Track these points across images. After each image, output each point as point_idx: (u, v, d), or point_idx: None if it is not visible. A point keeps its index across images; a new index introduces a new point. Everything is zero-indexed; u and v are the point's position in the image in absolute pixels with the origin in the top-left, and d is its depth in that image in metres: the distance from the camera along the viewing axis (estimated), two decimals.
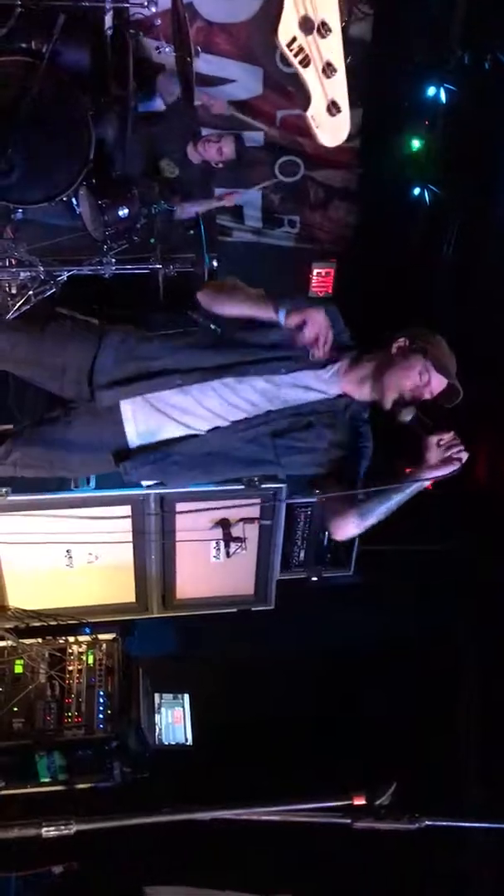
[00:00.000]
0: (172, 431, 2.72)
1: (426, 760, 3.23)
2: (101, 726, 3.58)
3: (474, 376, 4.73)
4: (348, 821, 1.52)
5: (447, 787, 2.91)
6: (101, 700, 3.64)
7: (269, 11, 5.01)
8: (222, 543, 3.73)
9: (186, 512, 3.72)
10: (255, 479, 3.67)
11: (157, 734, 3.69)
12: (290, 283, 5.50)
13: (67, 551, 3.69)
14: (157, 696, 3.76)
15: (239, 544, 3.75)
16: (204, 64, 5.03)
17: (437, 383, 2.52)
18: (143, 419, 2.73)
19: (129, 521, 3.68)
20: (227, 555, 3.74)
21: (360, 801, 1.54)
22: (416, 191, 5.18)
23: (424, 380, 2.49)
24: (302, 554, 4.15)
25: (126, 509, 3.65)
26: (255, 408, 2.67)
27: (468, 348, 4.84)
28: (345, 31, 4.94)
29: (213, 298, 2.66)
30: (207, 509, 3.72)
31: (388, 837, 1.48)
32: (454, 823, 1.55)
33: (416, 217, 5.23)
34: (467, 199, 4.82)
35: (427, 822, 1.53)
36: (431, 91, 4.95)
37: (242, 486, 3.66)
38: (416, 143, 5.16)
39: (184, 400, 2.69)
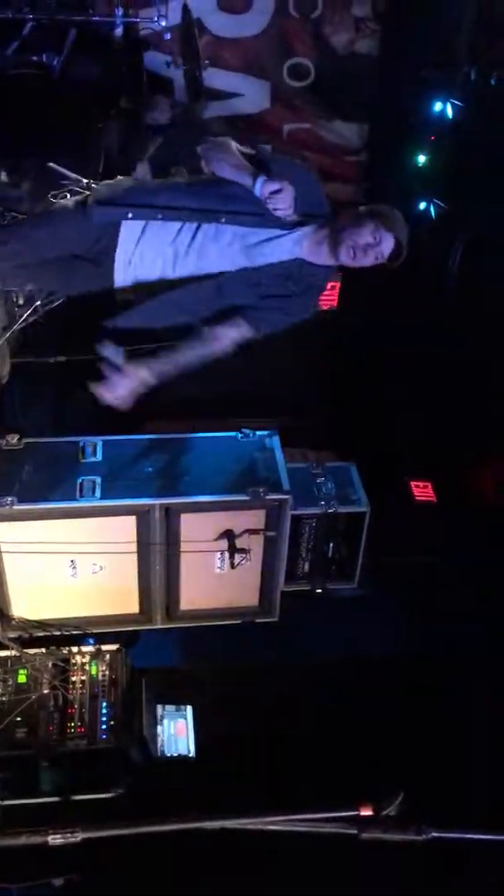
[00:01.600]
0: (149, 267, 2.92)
1: (434, 772, 3.22)
2: (104, 737, 3.57)
3: (481, 391, 4.76)
4: (354, 831, 1.51)
5: (455, 799, 2.89)
6: (105, 711, 3.63)
7: (276, 27, 5.07)
8: (227, 554, 3.72)
9: (191, 522, 3.72)
10: (261, 490, 3.68)
11: (159, 745, 3.68)
12: None
13: (72, 561, 3.68)
14: (159, 707, 3.74)
15: (243, 555, 3.75)
16: (212, 78, 5.07)
17: (387, 244, 2.74)
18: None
19: (133, 532, 3.68)
20: (232, 566, 3.73)
21: (366, 812, 1.53)
22: (422, 205, 5.21)
23: (377, 238, 2.71)
24: (307, 566, 4.14)
25: (131, 520, 3.65)
26: (224, 258, 2.88)
27: (474, 363, 4.88)
28: (352, 46, 5.03)
29: (213, 154, 2.78)
30: (212, 519, 3.73)
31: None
32: (461, 835, 1.54)
33: (422, 231, 5.27)
34: (473, 213, 4.85)
35: (434, 834, 1.52)
36: (438, 106, 4.99)
37: (248, 497, 3.67)
38: (422, 158, 5.19)
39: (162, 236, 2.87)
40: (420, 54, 4.99)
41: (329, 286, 5.67)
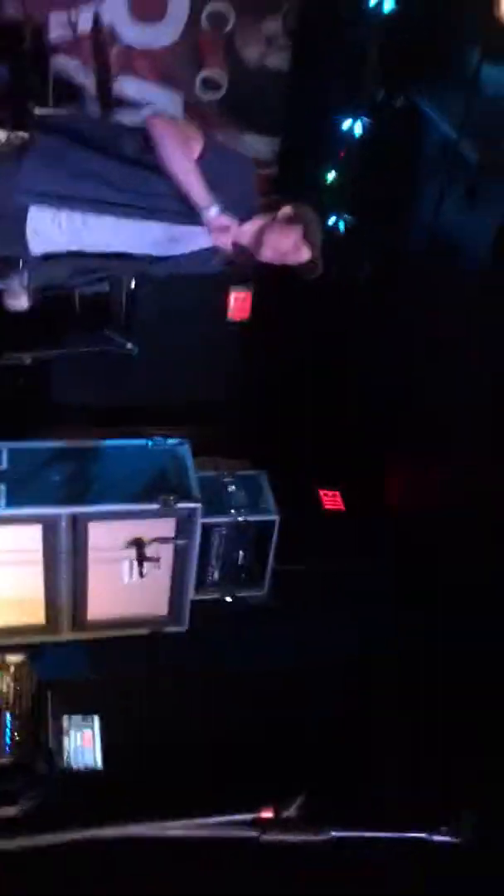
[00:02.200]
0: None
1: (339, 775, 3.27)
2: (8, 751, 3.50)
3: (387, 400, 4.89)
4: (255, 834, 1.53)
5: (361, 799, 2.95)
6: (8, 724, 3.55)
7: (189, 39, 5.10)
8: (135, 563, 3.71)
9: (99, 531, 3.69)
10: (171, 498, 3.68)
11: (65, 757, 3.62)
12: (207, 307, 5.55)
13: None
14: (65, 718, 3.69)
15: (152, 564, 3.74)
16: (124, 86, 5.06)
17: (304, 255, 2.84)
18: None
19: (39, 541, 3.62)
20: (141, 575, 3.72)
21: (267, 814, 1.55)
22: (332, 220, 5.31)
23: (297, 249, 2.80)
24: (216, 574, 4.17)
25: (37, 529, 3.60)
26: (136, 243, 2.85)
27: (379, 374, 5.01)
28: (263, 61, 5.10)
29: (167, 143, 2.57)
30: (121, 528, 3.71)
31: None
32: (362, 834, 1.58)
33: (331, 245, 5.37)
34: (380, 229, 4.98)
35: (334, 833, 1.56)
36: (347, 124, 5.09)
37: (157, 506, 3.67)
38: (331, 174, 5.29)
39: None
40: (330, 72, 5.09)
41: (241, 297, 5.74)
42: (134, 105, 5.12)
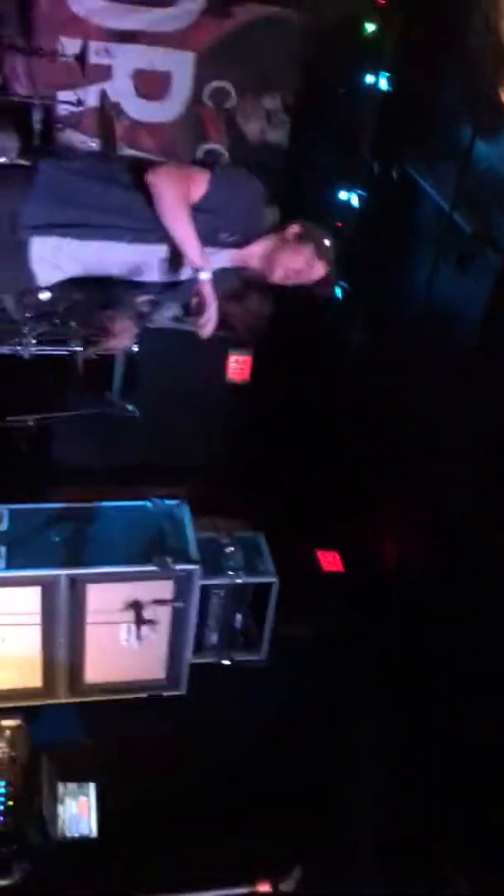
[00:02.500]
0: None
1: (335, 843, 3.21)
2: (1, 819, 3.43)
3: (381, 457, 4.93)
4: None
5: (354, 868, 2.89)
6: (3, 790, 3.49)
7: (192, 114, 5.29)
8: (133, 626, 3.71)
9: (98, 593, 3.70)
10: (169, 560, 3.69)
11: (60, 826, 3.56)
12: (208, 368, 5.63)
13: None
14: (61, 785, 3.63)
15: (151, 627, 3.73)
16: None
17: (319, 272, 2.75)
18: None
19: (38, 602, 3.62)
20: (139, 637, 3.71)
21: (263, 888, 1.54)
22: None
23: (311, 266, 2.73)
24: (214, 637, 4.15)
25: (36, 591, 3.61)
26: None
27: (374, 435, 5.06)
28: (263, 136, 5.28)
29: (169, 206, 2.46)
30: (119, 590, 3.71)
31: None
32: None
33: (328, 310, 5.48)
34: (374, 295, 5.08)
35: None
36: (343, 195, 5.25)
37: (156, 568, 3.68)
38: (327, 243, 5.42)
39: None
40: (327, 146, 5.27)
41: (241, 360, 5.83)
42: None
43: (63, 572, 3.59)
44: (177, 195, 2.46)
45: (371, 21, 4.97)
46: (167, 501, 4.08)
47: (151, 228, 2.53)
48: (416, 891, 1.52)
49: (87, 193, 2.51)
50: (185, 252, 2.53)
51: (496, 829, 3.14)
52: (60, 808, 3.63)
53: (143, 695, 4.01)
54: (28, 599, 3.61)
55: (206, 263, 2.54)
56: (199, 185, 2.52)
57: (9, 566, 3.55)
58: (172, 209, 2.46)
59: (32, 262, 2.58)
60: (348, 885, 1.56)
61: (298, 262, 2.71)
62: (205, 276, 2.54)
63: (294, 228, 2.76)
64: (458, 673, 3.86)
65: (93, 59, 4.63)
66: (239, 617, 4.11)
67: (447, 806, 3.37)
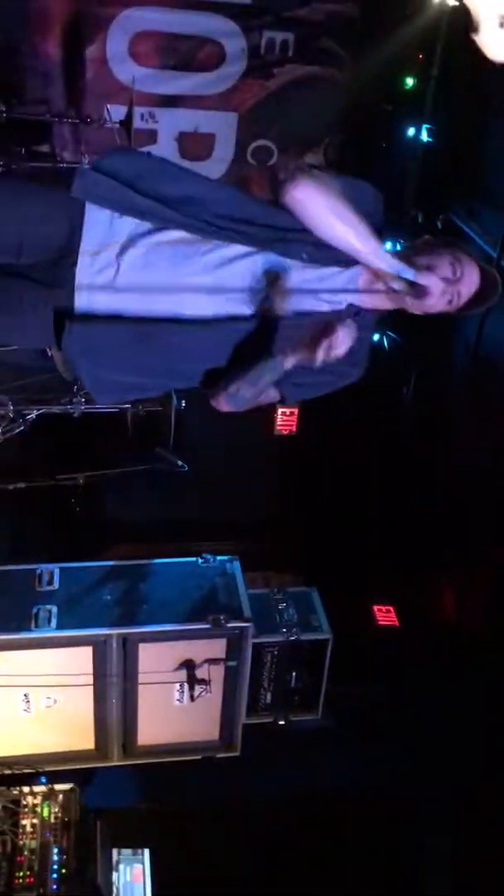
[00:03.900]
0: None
1: None
2: (55, 888, 3.34)
3: (437, 513, 4.84)
4: None
5: None
6: (56, 858, 3.42)
7: (235, 173, 5.40)
8: (186, 686, 3.64)
9: (150, 652, 3.65)
10: (222, 618, 3.63)
11: (114, 894, 3.46)
12: (256, 421, 5.64)
13: (25, 695, 3.56)
14: (115, 851, 3.54)
15: (203, 686, 3.67)
16: None
17: (470, 276, 2.09)
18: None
19: (90, 663, 3.59)
20: (192, 698, 3.64)
21: None
22: (376, 336, 5.42)
23: (458, 273, 2.07)
24: (269, 696, 4.05)
25: (87, 651, 3.57)
26: (245, 295, 2.05)
27: (429, 487, 4.97)
28: None
29: (312, 206, 1.94)
30: (171, 649, 3.66)
31: None
32: None
33: (376, 361, 5.46)
34: (421, 348, 5.05)
35: None
36: (388, 246, 5.27)
37: (208, 626, 3.63)
38: None
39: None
40: None
41: (288, 411, 5.82)
42: None
43: (114, 631, 3.56)
44: (327, 201, 1.94)
45: (411, 75, 5.05)
46: (218, 557, 4.04)
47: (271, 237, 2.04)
48: None
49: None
50: (370, 259, 2.00)
51: None
52: (115, 876, 3.54)
53: (197, 756, 3.92)
54: (79, 660, 3.57)
55: (398, 263, 2.00)
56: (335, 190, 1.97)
57: (60, 626, 3.53)
58: (334, 213, 1.93)
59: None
60: None
61: (442, 272, 2.04)
62: (410, 274, 1.99)
63: (424, 239, 2.25)
64: None
65: (138, 124, 4.76)
66: (294, 675, 4.01)
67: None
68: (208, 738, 3.91)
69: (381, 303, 2.17)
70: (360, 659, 4.59)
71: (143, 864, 3.61)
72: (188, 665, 3.67)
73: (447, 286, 2.05)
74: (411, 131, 5.07)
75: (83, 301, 2.01)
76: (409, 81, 5.09)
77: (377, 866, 3.56)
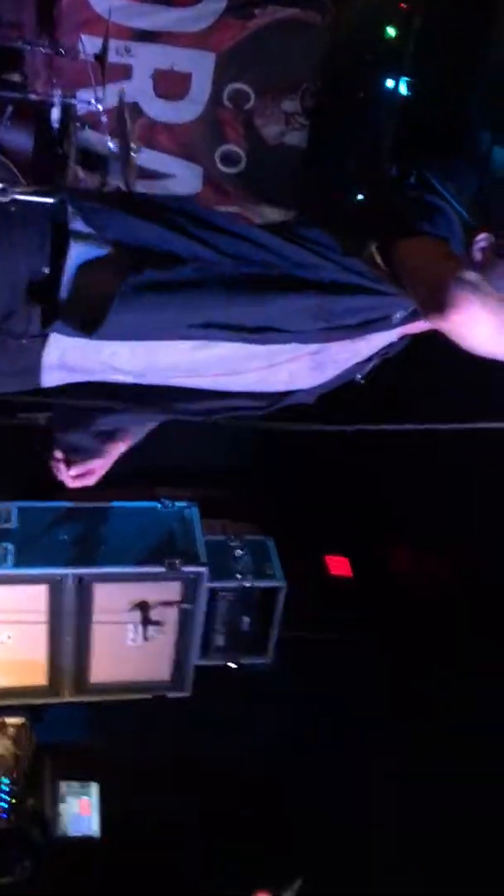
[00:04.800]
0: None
1: (337, 853, 3.19)
2: (4, 816, 3.43)
3: (392, 461, 4.91)
4: None
5: (358, 882, 2.87)
6: (5, 788, 3.49)
7: (211, 116, 5.30)
8: (140, 626, 3.69)
9: (105, 593, 3.69)
10: (177, 562, 3.68)
11: (62, 825, 3.55)
12: None
13: None
14: (63, 784, 3.63)
15: (157, 628, 3.72)
16: (146, 159, 5.23)
17: None
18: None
19: (45, 601, 3.62)
20: (145, 638, 3.70)
21: None
22: None
23: None
24: (221, 639, 4.12)
25: (43, 589, 3.60)
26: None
27: (388, 443, 5.04)
28: (282, 138, 5.27)
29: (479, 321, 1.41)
30: (126, 590, 3.70)
31: None
32: None
33: None
34: None
35: None
36: (361, 199, 5.25)
37: (164, 569, 3.67)
38: None
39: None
40: (345, 150, 5.26)
41: None
42: (157, 177, 5.30)
43: (70, 571, 3.58)
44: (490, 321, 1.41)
45: (393, 25, 4.97)
46: (177, 503, 4.07)
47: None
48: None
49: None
50: None
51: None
52: (62, 807, 3.62)
53: (148, 696, 3.99)
54: (35, 598, 3.60)
55: None
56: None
57: (16, 564, 3.54)
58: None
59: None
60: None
61: None
62: None
63: (481, 243, 1.74)
64: (459, 680, 3.85)
65: (113, 58, 4.64)
66: (246, 620, 4.08)
67: (449, 811, 3.35)
68: (160, 678, 3.98)
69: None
70: (313, 607, 4.69)
71: (91, 797, 3.71)
72: (143, 606, 3.71)
73: None
74: (390, 83, 5.01)
75: None
76: (391, 32, 5.01)
77: (317, 804, 3.67)
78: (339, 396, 1.94)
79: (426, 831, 3.40)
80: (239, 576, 4.02)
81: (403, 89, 4.95)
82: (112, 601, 3.69)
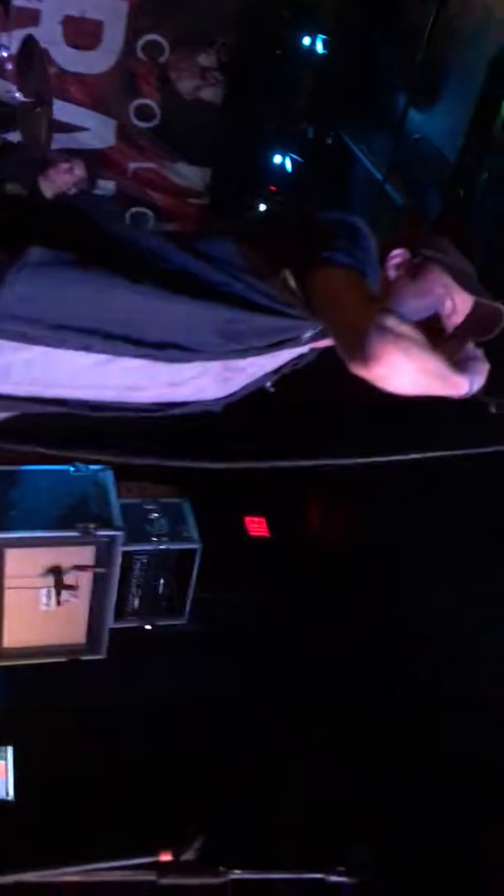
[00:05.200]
0: None
1: (238, 814, 3.27)
2: None
3: (304, 424, 4.95)
4: (153, 877, 1.53)
5: (259, 840, 2.95)
6: None
7: (124, 68, 5.14)
8: (53, 591, 3.67)
9: (17, 558, 3.64)
10: (91, 526, 3.66)
11: None
12: None
13: None
14: None
15: (71, 592, 3.71)
16: (58, 110, 5.07)
17: (462, 305, 1.71)
18: None
19: None
20: (58, 603, 3.68)
21: (165, 857, 1.56)
22: None
23: (449, 306, 1.69)
24: (136, 602, 4.14)
25: None
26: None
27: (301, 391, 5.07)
28: (197, 93, 5.17)
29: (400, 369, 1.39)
30: (39, 555, 3.67)
31: None
32: (260, 875, 1.60)
33: None
34: None
35: (232, 876, 1.57)
36: (278, 159, 5.20)
37: (77, 534, 3.64)
38: (262, 207, 5.38)
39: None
40: (262, 107, 5.19)
41: None
42: (69, 129, 5.14)
43: None
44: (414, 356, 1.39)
45: None
46: (90, 467, 4.03)
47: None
48: (319, 859, 1.57)
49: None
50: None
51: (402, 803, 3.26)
52: None
53: (63, 659, 3.98)
54: None
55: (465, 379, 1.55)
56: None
57: None
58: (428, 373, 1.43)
59: None
60: (250, 854, 1.60)
61: (433, 308, 1.66)
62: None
63: (395, 258, 1.73)
64: (376, 639, 3.95)
65: (19, 1, 4.45)
66: (162, 582, 4.11)
67: (360, 777, 3.46)
68: (75, 642, 3.97)
69: None
70: (231, 567, 4.74)
71: (6, 760, 3.70)
72: (56, 571, 3.69)
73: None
74: (307, 41, 4.95)
75: None
76: None
77: (237, 765, 3.74)
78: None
79: (337, 791, 3.51)
80: (154, 539, 4.03)
81: (320, 47, 4.90)
82: (24, 566, 3.65)
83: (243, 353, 1.65)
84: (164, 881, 1.53)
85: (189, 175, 5.37)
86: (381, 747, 3.50)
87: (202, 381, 1.75)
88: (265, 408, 1.96)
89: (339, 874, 1.58)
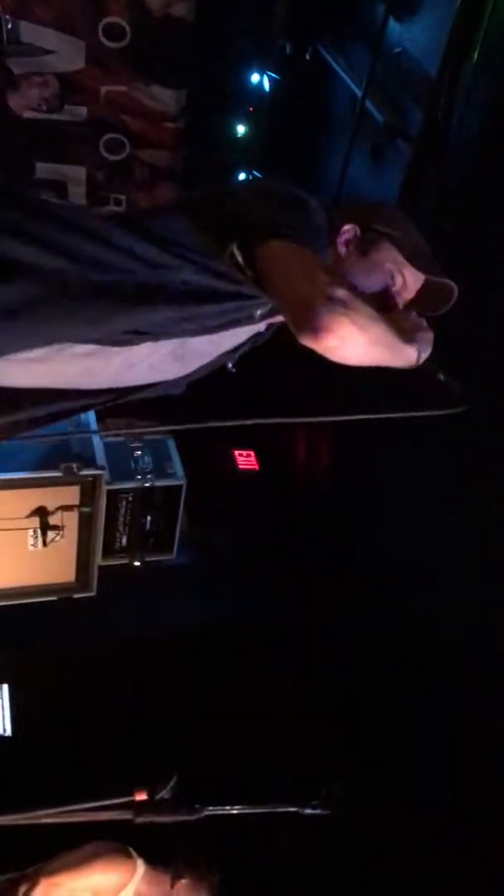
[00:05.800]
0: None
1: (213, 751, 3.34)
2: None
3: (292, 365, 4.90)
4: (129, 816, 1.55)
5: (233, 776, 3.02)
6: None
7: None
8: (39, 532, 3.67)
9: (1, 500, 3.63)
10: (74, 466, 3.63)
11: None
12: None
13: None
14: None
15: (57, 532, 3.71)
16: (24, 32, 4.84)
17: (413, 281, 1.73)
18: None
19: None
20: (45, 543, 3.68)
21: (141, 797, 1.58)
22: (242, 176, 5.23)
23: (399, 282, 1.71)
24: (124, 539, 4.14)
25: None
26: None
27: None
28: (168, 9, 4.92)
29: (351, 341, 1.39)
30: (24, 496, 3.65)
31: None
32: (233, 811, 1.61)
33: None
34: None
35: (207, 812, 1.59)
36: (255, 78, 5.00)
37: (60, 474, 3.62)
38: (240, 129, 5.20)
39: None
40: (236, 23, 4.94)
41: None
42: (32, 53, 4.91)
43: None
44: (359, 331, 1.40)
45: None
46: None
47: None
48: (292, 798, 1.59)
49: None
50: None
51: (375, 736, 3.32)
52: None
53: (54, 598, 4.01)
54: None
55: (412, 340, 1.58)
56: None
57: None
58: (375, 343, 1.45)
59: None
60: (223, 791, 1.62)
61: (382, 285, 1.68)
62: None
63: (345, 233, 1.75)
64: (362, 570, 3.98)
65: None
66: (149, 519, 4.10)
67: (337, 712, 3.52)
68: (65, 581, 4.00)
69: None
70: (221, 501, 4.75)
71: (1, 697, 3.77)
72: (41, 512, 3.68)
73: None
74: None
75: None
76: None
77: (224, 696, 3.81)
78: None
79: (318, 722, 3.58)
80: (139, 476, 4.01)
81: None
82: (9, 508, 3.64)
83: (195, 333, 1.64)
84: (140, 820, 1.55)
85: (163, 97, 5.15)
86: (365, 684, 3.55)
87: (154, 361, 1.73)
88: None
89: (313, 808, 1.60)
